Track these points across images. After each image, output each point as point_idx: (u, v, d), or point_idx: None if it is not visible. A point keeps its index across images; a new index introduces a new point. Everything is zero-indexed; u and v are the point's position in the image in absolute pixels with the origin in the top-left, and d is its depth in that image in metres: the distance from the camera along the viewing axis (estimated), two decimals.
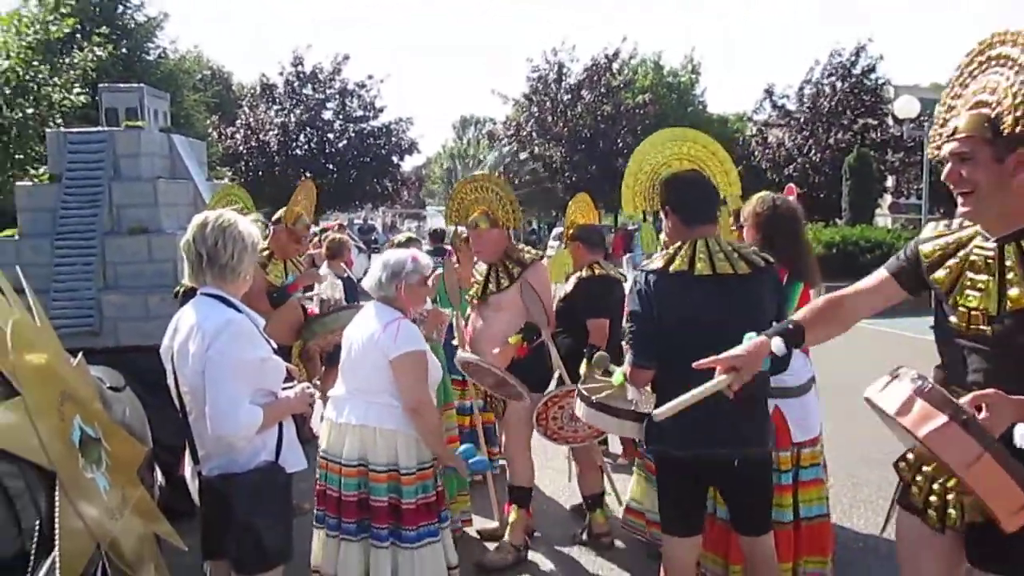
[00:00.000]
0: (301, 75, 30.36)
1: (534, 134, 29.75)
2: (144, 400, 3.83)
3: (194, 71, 27.99)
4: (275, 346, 3.01)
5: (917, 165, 32.75)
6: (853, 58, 32.67)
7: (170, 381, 2.88)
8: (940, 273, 2.31)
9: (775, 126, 33.27)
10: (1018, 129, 2.07)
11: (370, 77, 30.72)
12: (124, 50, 20.64)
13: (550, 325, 4.44)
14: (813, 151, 31.52)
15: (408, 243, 4.93)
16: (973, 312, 2.19)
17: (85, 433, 2.60)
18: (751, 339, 2.47)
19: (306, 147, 30.16)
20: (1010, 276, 2.13)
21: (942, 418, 1.90)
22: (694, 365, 2.46)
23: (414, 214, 75.09)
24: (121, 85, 6.98)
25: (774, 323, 2.70)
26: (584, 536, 4.78)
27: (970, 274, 2.22)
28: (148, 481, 3.29)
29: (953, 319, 2.25)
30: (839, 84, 32.50)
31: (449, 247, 6.71)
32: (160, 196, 5.61)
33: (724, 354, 2.44)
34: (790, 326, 2.53)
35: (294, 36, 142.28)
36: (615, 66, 30.61)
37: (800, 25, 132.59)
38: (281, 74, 30.46)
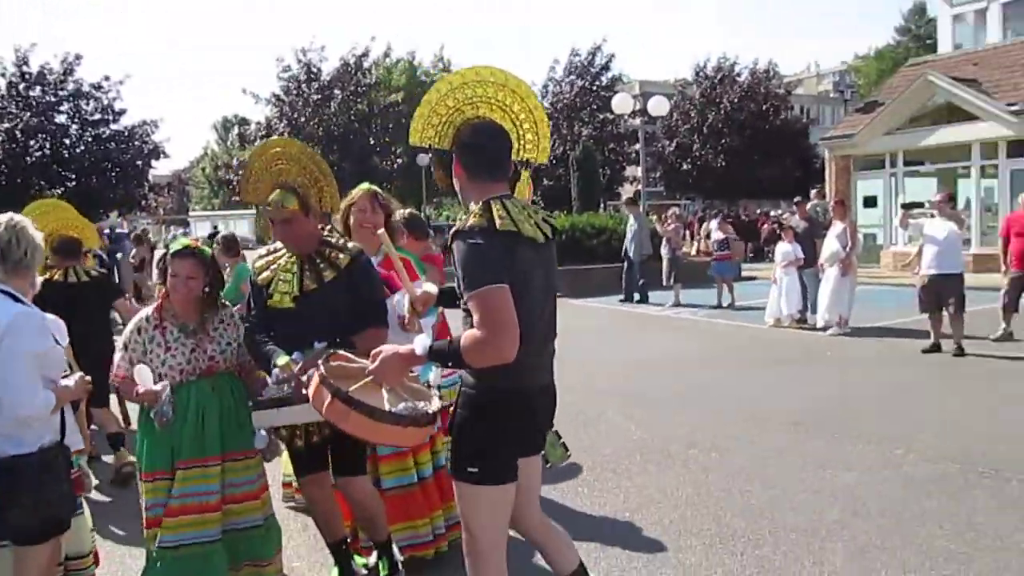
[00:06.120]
0: (27, 76, 28.27)
1: (287, 134, 29.63)
2: None
3: None
4: (58, 338, 3.20)
5: (654, 155, 35.98)
6: (590, 57, 35.26)
7: None
8: None
9: None
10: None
11: (107, 78, 29.11)
12: None
13: None
14: (557, 145, 33.71)
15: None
16: None
17: None
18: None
19: (39, 153, 28.20)
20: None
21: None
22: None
23: (179, 220, 71.55)
24: None
25: None
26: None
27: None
28: None
29: None
30: (578, 82, 34.97)
31: None
32: None
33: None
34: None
35: (17, 32, 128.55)
36: (366, 65, 31.06)
37: (548, 21, 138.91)
38: (3, 75, 28.23)
